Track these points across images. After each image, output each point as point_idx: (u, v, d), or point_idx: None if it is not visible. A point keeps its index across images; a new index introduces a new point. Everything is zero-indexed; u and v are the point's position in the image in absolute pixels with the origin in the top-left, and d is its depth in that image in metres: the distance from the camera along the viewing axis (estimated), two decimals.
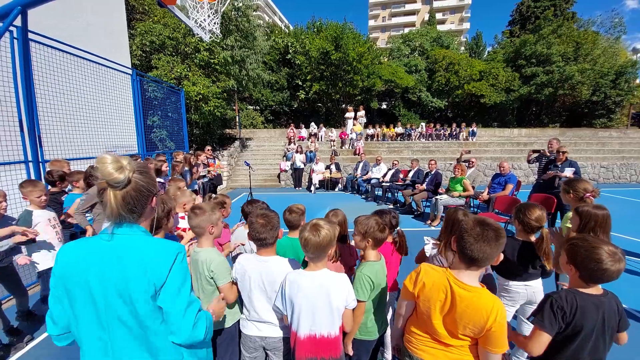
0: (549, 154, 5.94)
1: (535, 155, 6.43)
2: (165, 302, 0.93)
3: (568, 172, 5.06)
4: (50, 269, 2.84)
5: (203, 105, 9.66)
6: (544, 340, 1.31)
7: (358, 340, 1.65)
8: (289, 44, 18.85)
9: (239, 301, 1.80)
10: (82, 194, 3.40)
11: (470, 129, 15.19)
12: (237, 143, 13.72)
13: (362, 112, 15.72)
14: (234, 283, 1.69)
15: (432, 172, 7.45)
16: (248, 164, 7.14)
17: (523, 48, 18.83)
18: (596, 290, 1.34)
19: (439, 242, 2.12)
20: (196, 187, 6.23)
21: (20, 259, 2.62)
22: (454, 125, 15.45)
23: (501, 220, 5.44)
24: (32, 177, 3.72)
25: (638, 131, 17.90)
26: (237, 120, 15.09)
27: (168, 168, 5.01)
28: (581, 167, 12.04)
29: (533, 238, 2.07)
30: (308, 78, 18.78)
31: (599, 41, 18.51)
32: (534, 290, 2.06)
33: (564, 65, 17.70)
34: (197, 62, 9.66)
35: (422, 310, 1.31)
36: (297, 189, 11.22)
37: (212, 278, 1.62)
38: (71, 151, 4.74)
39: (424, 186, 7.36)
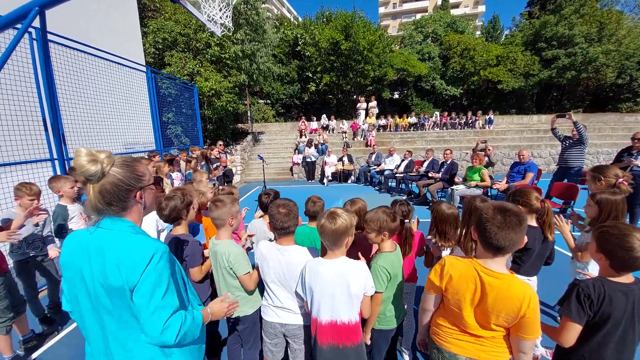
0: (573, 125, 5.72)
1: (560, 119, 6.29)
2: (136, 303, 0.94)
3: None
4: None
5: (215, 100, 9.75)
6: (574, 330, 1.29)
7: (377, 330, 1.67)
8: (298, 35, 18.66)
9: (260, 288, 1.84)
10: None
11: (487, 117, 14.71)
12: (249, 137, 13.84)
13: (373, 103, 15.48)
14: (255, 269, 1.73)
15: (448, 162, 7.29)
16: (261, 158, 7.21)
17: (543, 30, 17.88)
18: (627, 278, 1.29)
19: (438, 237, 2.06)
20: (215, 182, 6.35)
21: (51, 251, 2.76)
22: (470, 113, 14.99)
23: None
24: (59, 173, 3.87)
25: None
26: (249, 114, 15.17)
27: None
28: (607, 154, 11.59)
29: (534, 222, 2.00)
30: (318, 70, 18.58)
31: (624, 21, 17.33)
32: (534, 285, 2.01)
33: (587, 46, 16.72)
34: (209, 57, 9.73)
35: (452, 303, 1.30)
36: (309, 181, 11.25)
37: (231, 269, 1.66)
38: (93, 148, 4.92)
39: (439, 175, 7.23)
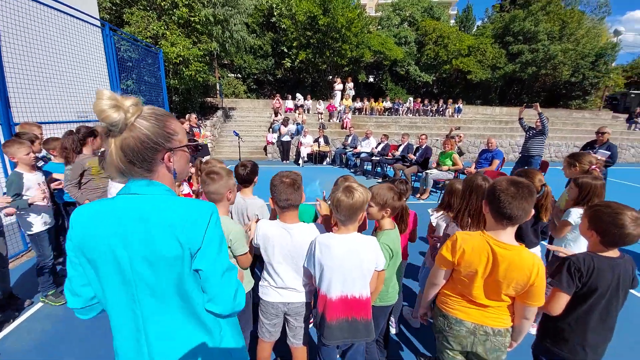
0: (539, 115, 6.08)
1: (526, 109, 6.68)
2: (204, 269, 0.83)
3: (600, 156, 4.79)
4: (41, 232, 2.70)
5: (183, 69, 8.93)
6: (563, 300, 1.38)
7: (378, 307, 1.66)
8: (274, 5, 17.55)
9: (252, 269, 1.74)
10: (63, 164, 3.11)
11: (456, 106, 15.32)
12: (219, 113, 13.04)
13: (350, 84, 15.32)
14: (249, 248, 1.62)
15: (423, 147, 7.50)
16: (237, 134, 6.85)
17: (512, 24, 18.68)
18: (613, 253, 1.40)
19: (445, 212, 2.11)
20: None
21: (7, 209, 2.40)
22: (441, 101, 15.48)
23: None
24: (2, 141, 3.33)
25: (609, 113, 18.86)
26: (219, 88, 14.22)
27: None
28: (557, 147, 12.76)
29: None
30: (294, 45, 17.78)
31: (584, 21, 18.69)
32: None
33: (549, 44, 17.86)
34: (176, 19, 8.76)
35: (463, 275, 1.35)
36: (284, 162, 11.02)
37: (229, 247, 1.53)
38: (40, 115, 4.28)
39: (414, 157, 7.44)
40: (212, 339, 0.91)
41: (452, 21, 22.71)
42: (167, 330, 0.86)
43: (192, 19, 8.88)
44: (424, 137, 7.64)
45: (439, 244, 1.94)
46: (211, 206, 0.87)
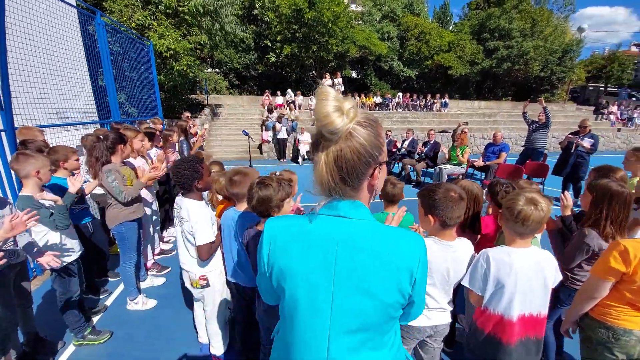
0: (543, 109, 6.40)
1: (529, 104, 7.21)
2: (416, 294, 0.75)
3: (586, 143, 5.44)
4: (70, 265, 2.22)
5: (173, 63, 8.22)
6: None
7: None
8: None
9: None
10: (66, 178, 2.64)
11: (443, 100, 15.71)
12: (207, 110, 12.29)
13: (339, 80, 15.14)
14: None
15: (432, 142, 7.53)
16: (247, 134, 6.42)
17: (488, 21, 19.48)
18: None
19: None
20: None
21: (43, 258, 1.94)
22: (429, 96, 15.80)
23: None
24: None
25: (573, 105, 20.39)
26: (205, 84, 13.40)
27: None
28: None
29: None
30: (278, 39, 17.21)
31: (552, 19, 19.96)
32: None
33: (522, 40, 18.86)
34: (163, 8, 8.00)
35: (637, 285, 1.29)
36: (281, 160, 10.64)
37: None
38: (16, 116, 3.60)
39: (424, 149, 7.47)
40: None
41: (431, 17, 23.22)
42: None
43: (180, 8, 8.16)
44: (432, 132, 7.68)
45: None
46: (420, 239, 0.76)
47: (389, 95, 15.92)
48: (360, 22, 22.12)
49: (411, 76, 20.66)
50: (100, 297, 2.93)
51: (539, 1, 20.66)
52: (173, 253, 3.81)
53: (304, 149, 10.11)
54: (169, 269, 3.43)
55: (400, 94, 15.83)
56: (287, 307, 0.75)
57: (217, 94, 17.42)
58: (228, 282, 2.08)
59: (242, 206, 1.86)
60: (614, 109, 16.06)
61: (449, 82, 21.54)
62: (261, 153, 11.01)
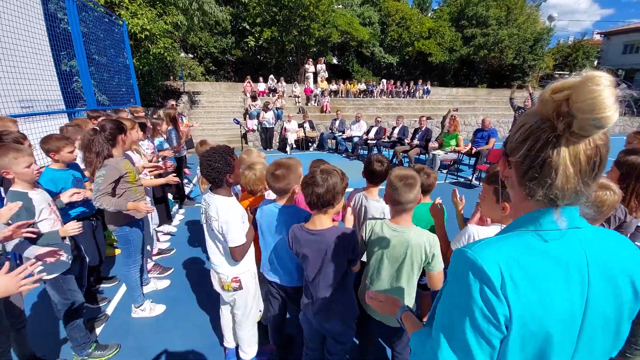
0: (529, 95, 6.70)
1: (517, 92, 7.38)
2: None
3: None
4: (63, 273, 1.95)
5: (149, 46, 7.53)
6: None
7: None
8: None
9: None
10: (65, 170, 2.32)
11: (425, 87, 15.88)
12: (185, 98, 11.54)
13: (322, 66, 14.78)
14: None
15: (423, 128, 7.57)
16: (238, 122, 6.08)
17: (467, 8, 19.73)
18: None
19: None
20: (185, 152, 5.02)
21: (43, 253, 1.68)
22: (412, 83, 15.89)
23: None
24: None
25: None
26: (181, 70, 12.52)
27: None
28: (505, 123, 14.12)
29: None
30: (257, 21, 16.37)
31: (525, 7, 20.61)
32: None
33: (497, 28, 19.35)
34: None
35: None
36: (268, 150, 10.30)
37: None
38: None
39: (416, 142, 7.49)
40: None
41: (411, 2, 23.14)
42: None
43: None
44: (424, 119, 7.71)
45: None
46: None
47: (374, 83, 15.83)
48: (340, 6, 21.57)
49: (392, 63, 20.66)
50: (100, 305, 2.65)
51: None
52: (172, 252, 3.55)
53: (291, 137, 9.84)
54: (172, 269, 3.18)
55: (384, 81, 15.79)
56: (532, 348, 0.60)
57: (192, 81, 16.42)
58: (261, 280, 1.94)
59: (283, 200, 1.69)
60: None
61: (428, 69, 21.79)
62: (246, 142, 10.58)
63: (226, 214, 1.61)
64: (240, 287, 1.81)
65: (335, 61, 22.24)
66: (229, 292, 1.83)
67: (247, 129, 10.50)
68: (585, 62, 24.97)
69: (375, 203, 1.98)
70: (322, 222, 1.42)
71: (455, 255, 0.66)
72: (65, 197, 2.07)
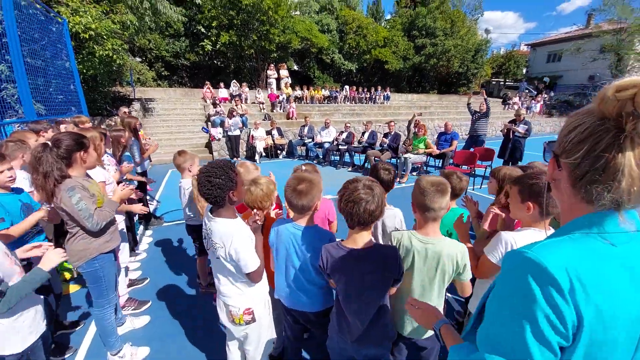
0: (484, 100, 7.34)
1: (474, 97, 8.36)
2: None
3: (521, 129, 6.30)
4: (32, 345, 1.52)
5: (95, 47, 6.70)
6: None
7: None
8: None
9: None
10: (9, 193, 1.90)
11: (385, 93, 16.59)
12: (137, 105, 10.52)
13: (285, 72, 14.65)
14: None
15: (392, 133, 7.83)
16: (207, 131, 5.64)
17: (417, 20, 21.17)
18: None
19: None
20: (148, 166, 4.49)
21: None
22: (373, 89, 16.48)
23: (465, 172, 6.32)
24: None
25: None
26: (130, 74, 11.42)
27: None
28: (457, 127, 15.37)
29: None
30: (213, 25, 15.68)
31: (466, 21, 22.78)
32: None
33: (444, 39, 21.06)
34: None
35: None
36: (235, 159, 9.80)
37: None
38: None
39: (387, 142, 7.72)
40: None
41: (365, 12, 24.15)
42: None
43: None
44: (392, 124, 7.99)
45: None
46: None
47: (337, 89, 16.11)
48: (297, 12, 21.70)
49: (352, 70, 21.27)
50: (65, 357, 2.18)
51: (455, 4, 23.31)
52: (146, 282, 3.10)
53: (260, 145, 9.50)
54: (149, 302, 2.77)
55: (347, 87, 16.15)
56: (595, 357, 0.56)
57: (142, 87, 15.10)
58: (274, 307, 1.75)
59: (304, 219, 1.53)
60: (517, 99, 19.30)
61: (385, 76, 22.87)
62: (210, 152, 9.96)
63: (234, 241, 1.41)
64: (254, 320, 1.60)
65: (296, 67, 22.27)
66: (240, 326, 1.61)
67: (210, 138, 9.89)
68: (516, 71, 28.36)
69: (389, 211, 1.91)
70: (364, 238, 1.30)
71: (510, 258, 0.61)
72: (21, 253, 1.63)
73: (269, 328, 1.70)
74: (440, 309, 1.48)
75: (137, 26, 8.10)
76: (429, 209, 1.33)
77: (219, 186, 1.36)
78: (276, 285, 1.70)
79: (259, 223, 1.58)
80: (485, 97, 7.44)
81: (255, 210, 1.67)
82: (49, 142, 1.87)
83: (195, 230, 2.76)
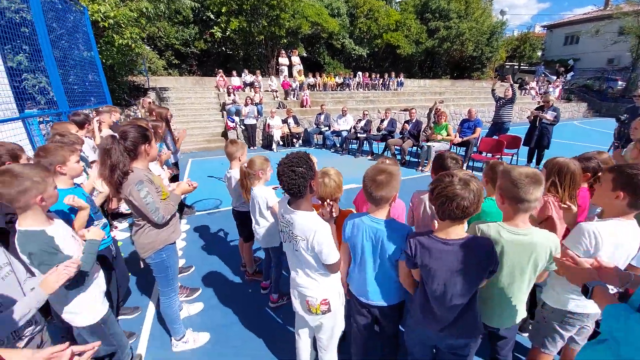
0: (510, 86, 7.07)
1: (498, 84, 8.14)
2: None
3: (549, 115, 6.11)
4: (103, 318, 1.66)
5: (113, 36, 6.64)
6: None
7: None
8: None
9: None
10: (74, 188, 1.92)
11: (399, 80, 16.21)
12: (153, 95, 10.50)
13: (297, 59, 14.38)
14: None
15: (413, 121, 7.69)
16: (233, 120, 5.60)
17: (430, 1, 20.40)
18: None
19: None
20: (180, 156, 4.52)
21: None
22: (386, 75, 16.11)
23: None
24: None
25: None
26: (144, 63, 11.35)
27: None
28: (481, 113, 15.03)
29: None
30: (222, 10, 15.36)
31: (480, 2, 21.85)
32: None
33: (458, 22, 20.30)
34: None
35: None
36: (251, 148, 9.80)
37: None
38: None
39: (408, 127, 7.61)
40: None
41: None
42: None
43: None
44: (414, 111, 7.83)
45: None
46: None
47: (349, 75, 15.78)
48: None
49: (363, 55, 20.78)
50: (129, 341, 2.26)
51: None
52: (192, 270, 3.17)
53: (277, 134, 9.46)
54: (199, 290, 2.84)
55: (360, 73, 15.81)
56: None
57: (154, 75, 15.03)
58: (348, 301, 1.78)
59: (381, 211, 1.52)
60: (533, 84, 18.71)
61: (396, 61, 22.29)
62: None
63: (317, 234, 1.42)
64: (329, 310, 1.63)
65: (305, 54, 21.82)
66: (317, 316, 1.64)
67: (226, 127, 9.87)
68: (532, 54, 27.35)
69: None
70: (458, 231, 1.29)
71: None
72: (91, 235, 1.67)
73: (342, 319, 1.73)
74: (525, 300, 1.49)
75: (153, 14, 7.97)
76: (522, 200, 1.30)
77: (302, 175, 1.36)
78: (350, 278, 1.71)
79: (335, 214, 1.58)
80: (512, 82, 7.21)
81: (328, 201, 1.67)
82: (116, 135, 1.88)
83: (240, 217, 2.78)
